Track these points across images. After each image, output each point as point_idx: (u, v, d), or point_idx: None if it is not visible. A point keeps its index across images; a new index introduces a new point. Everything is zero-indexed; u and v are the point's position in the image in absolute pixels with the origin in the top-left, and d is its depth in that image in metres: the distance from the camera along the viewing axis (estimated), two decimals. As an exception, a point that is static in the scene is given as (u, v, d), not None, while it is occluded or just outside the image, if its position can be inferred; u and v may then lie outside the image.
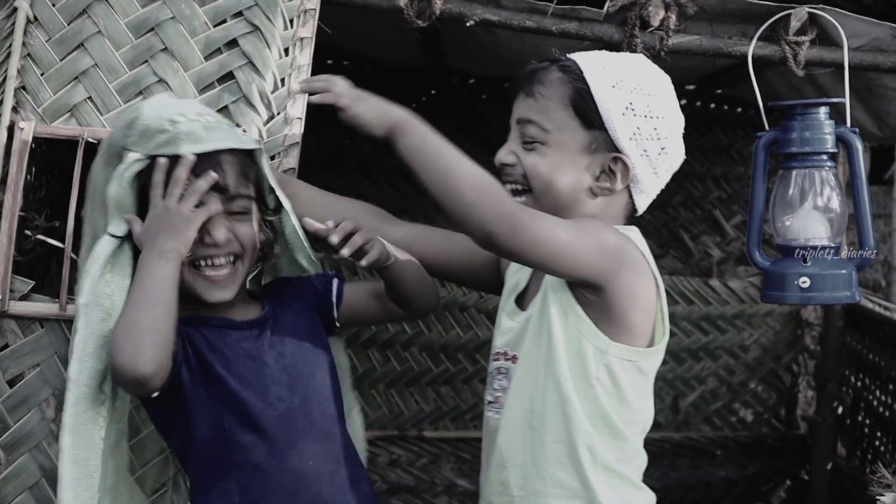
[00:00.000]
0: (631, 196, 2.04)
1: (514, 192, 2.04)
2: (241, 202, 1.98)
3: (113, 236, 1.94)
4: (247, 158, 2.00)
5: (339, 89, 1.94)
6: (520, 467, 1.98)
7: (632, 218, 2.08)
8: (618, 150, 1.98)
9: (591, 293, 1.92)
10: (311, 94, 2.02)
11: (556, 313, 1.94)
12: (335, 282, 2.14)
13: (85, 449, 1.90)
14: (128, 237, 1.95)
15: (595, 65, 2.01)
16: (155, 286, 1.85)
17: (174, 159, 1.91)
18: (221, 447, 1.91)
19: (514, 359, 2.03)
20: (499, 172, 2.05)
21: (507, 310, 2.10)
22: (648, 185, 2.03)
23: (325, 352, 2.07)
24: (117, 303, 1.91)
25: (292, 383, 1.97)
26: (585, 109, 1.98)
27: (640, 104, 1.98)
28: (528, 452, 1.97)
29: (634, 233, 2.01)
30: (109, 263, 1.93)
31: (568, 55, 2.06)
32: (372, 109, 1.90)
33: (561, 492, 1.95)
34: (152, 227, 1.90)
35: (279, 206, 2.09)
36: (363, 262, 1.97)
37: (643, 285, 1.94)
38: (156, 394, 1.87)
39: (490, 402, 2.06)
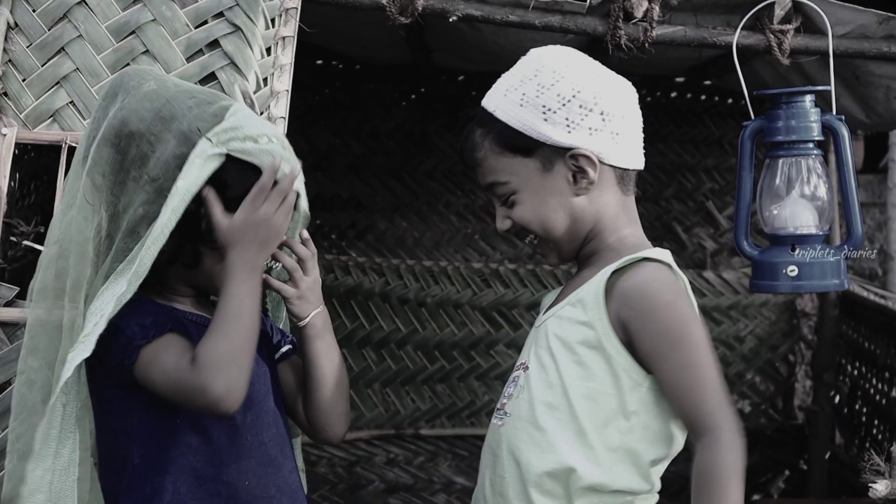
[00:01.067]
0: (613, 167, 1.97)
1: (530, 242, 2.03)
2: None
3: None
4: None
5: None
6: (515, 482, 1.92)
7: (634, 180, 2.01)
8: (568, 149, 1.93)
9: None
10: None
11: (594, 353, 1.88)
12: (287, 347, 2.06)
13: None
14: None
15: (497, 97, 1.98)
16: (253, 306, 1.79)
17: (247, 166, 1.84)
18: (167, 442, 1.85)
19: (524, 367, 1.98)
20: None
21: (536, 323, 2.05)
22: (619, 147, 1.96)
23: (278, 386, 2.00)
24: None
25: (248, 400, 1.87)
26: (515, 142, 1.94)
27: (552, 99, 1.92)
28: (527, 463, 1.91)
29: (668, 256, 1.95)
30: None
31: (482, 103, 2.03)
32: None
33: None
34: (249, 233, 1.80)
35: None
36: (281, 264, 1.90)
37: None
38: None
39: (497, 409, 2.02)
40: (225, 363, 1.74)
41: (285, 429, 1.99)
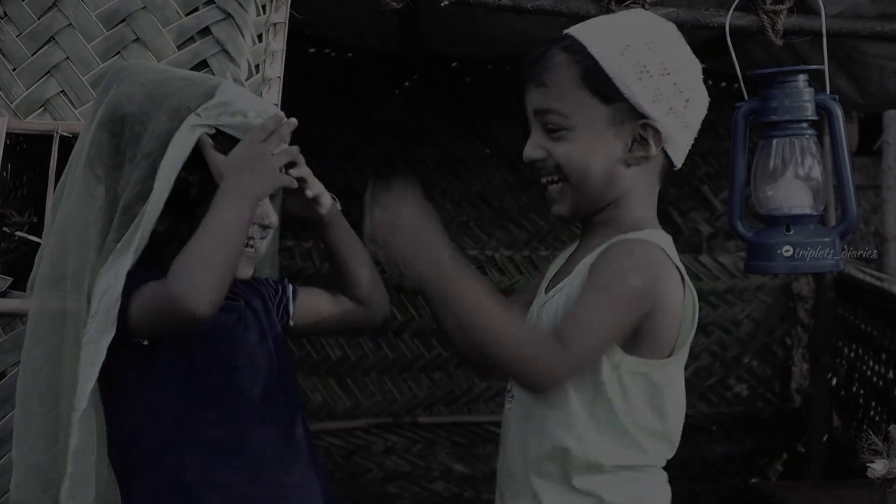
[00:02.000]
0: (666, 154, 1.96)
1: (550, 183, 1.97)
2: None
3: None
4: None
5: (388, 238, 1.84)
6: (521, 463, 1.94)
7: (670, 174, 2.01)
8: (643, 116, 1.91)
9: None
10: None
11: None
12: (290, 286, 2.12)
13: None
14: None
15: (597, 35, 1.93)
16: (233, 226, 1.80)
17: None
18: (185, 419, 1.87)
19: None
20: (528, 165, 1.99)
21: (537, 299, 2.03)
22: (682, 139, 1.96)
23: (283, 351, 2.04)
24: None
25: (255, 373, 1.93)
26: (600, 85, 1.90)
27: (654, 63, 1.90)
28: (527, 446, 1.93)
29: (663, 239, 1.94)
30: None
31: (566, 31, 1.98)
32: (407, 258, 1.81)
33: (554, 486, 1.90)
34: (241, 164, 1.84)
35: None
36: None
37: (673, 297, 1.89)
38: (146, 342, 1.85)
39: (507, 390, 2.02)
40: (188, 266, 1.76)
41: (295, 400, 2.02)
